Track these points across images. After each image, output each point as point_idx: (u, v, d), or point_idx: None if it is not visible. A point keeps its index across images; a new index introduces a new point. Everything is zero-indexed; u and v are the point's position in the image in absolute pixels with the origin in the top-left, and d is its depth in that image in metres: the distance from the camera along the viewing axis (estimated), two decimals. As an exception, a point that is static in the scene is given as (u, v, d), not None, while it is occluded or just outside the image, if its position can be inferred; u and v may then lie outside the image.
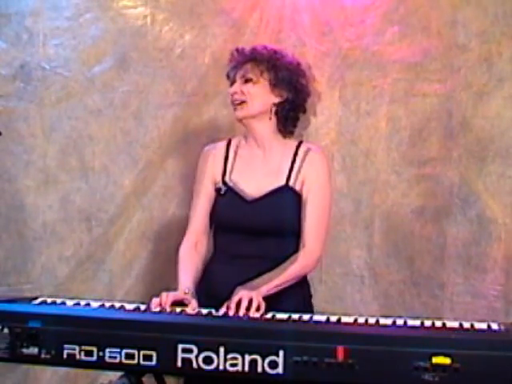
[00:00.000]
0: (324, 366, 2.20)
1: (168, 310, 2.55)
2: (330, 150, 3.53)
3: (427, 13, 3.43)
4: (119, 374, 2.45)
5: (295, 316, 2.46)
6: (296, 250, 2.80)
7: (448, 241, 3.43)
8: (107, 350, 2.31)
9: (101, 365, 2.34)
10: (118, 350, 2.31)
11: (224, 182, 2.85)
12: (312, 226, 2.79)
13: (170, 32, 3.62)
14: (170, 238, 3.47)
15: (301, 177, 2.82)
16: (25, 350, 2.36)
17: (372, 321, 2.40)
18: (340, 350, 2.19)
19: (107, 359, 2.32)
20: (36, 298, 2.65)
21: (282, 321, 2.43)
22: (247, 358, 2.24)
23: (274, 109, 2.83)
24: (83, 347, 2.33)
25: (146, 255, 3.69)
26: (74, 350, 2.34)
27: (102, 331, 2.34)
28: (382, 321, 2.39)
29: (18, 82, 3.63)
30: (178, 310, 2.56)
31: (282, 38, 3.56)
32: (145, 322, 2.39)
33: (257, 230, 2.77)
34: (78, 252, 3.67)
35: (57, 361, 2.36)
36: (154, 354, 2.29)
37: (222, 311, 2.52)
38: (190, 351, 2.27)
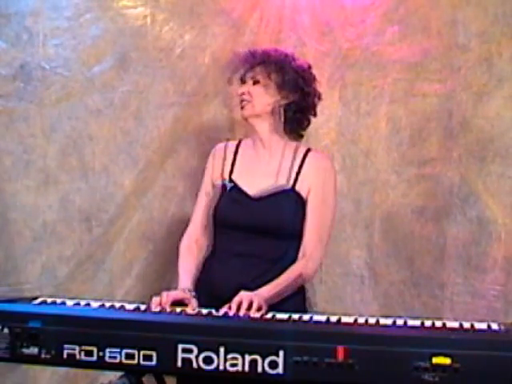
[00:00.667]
0: (324, 366, 2.20)
1: (168, 309, 2.55)
2: (330, 150, 3.53)
3: (427, 13, 3.43)
4: (119, 373, 2.45)
5: (295, 316, 2.46)
6: (295, 251, 2.81)
7: (448, 241, 3.43)
8: (107, 350, 2.31)
9: (101, 365, 2.34)
10: (118, 350, 2.31)
11: (230, 179, 2.86)
12: (313, 235, 2.80)
13: (170, 32, 3.62)
14: (170, 238, 3.47)
15: (307, 183, 2.83)
16: (25, 350, 2.36)
17: (372, 321, 2.40)
18: (340, 350, 2.19)
19: (107, 359, 2.32)
20: (36, 298, 2.65)
21: (281, 321, 2.43)
22: (247, 357, 2.24)
23: (281, 110, 2.85)
24: (83, 347, 2.33)
25: (146, 255, 3.69)
26: (74, 349, 2.34)
27: (102, 331, 2.34)
28: (382, 321, 2.39)
29: (18, 82, 3.62)
30: (178, 309, 2.56)
31: (282, 37, 3.56)
32: (145, 321, 2.39)
33: (259, 228, 2.77)
34: (78, 252, 3.67)
35: (57, 361, 2.36)
36: (153, 354, 2.29)
37: (222, 311, 2.52)
38: (189, 351, 2.27)
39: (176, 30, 3.62)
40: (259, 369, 2.23)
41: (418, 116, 3.47)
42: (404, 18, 3.45)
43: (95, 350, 2.32)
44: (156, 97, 3.64)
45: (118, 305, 2.58)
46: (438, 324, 2.36)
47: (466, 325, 2.34)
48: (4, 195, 3.65)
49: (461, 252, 3.42)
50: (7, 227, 3.66)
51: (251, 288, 2.63)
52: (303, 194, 2.83)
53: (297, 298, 2.83)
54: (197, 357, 2.26)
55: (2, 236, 3.66)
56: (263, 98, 2.84)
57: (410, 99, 3.48)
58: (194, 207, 2.96)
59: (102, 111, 3.65)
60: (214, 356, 2.26)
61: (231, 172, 2.89)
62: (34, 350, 2.36)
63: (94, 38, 3.63)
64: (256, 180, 2.85)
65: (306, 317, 2.46)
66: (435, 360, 2.15)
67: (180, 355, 2.27)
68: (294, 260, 2.80)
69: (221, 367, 2.25)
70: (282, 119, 2.86)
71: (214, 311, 2.53)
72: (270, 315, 2.49)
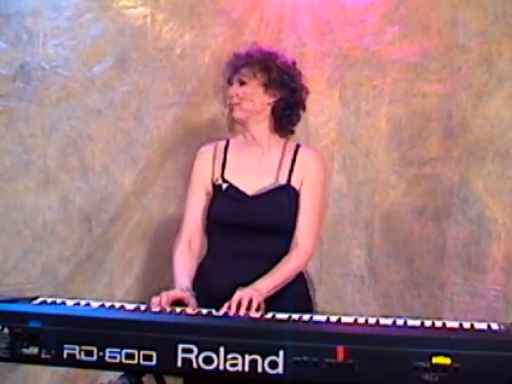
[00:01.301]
0: (324, 366, 2.20)
1: (168, 309, 2.55)
2: (329, 150, 3.53)
3: (427, 13, 3.43)
4: (119, 373, 2.45)
5: (295, 316, 2.46)
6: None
7: (448, 241, 3.43)
8: (107, 350, 2.31)
9: (101, 365, 2.34)
10: (118, 350, 2.31)
11: (224, 179, 2.86)
12: (304, 225, 2.82)
13: (170, 32, 3.62)
14: (169, 238, 3.45)
15: (299, 177, 2.84)
16: (25, 350, 2.36)
17: (372, 321, 2.40)
18: (340, 350, 2.19)
19: (107, 359, 2.32)
20: (36, 298, 2.65)
21: (282, 321, 2.43)
22: (247, 357, 2.24)
23: (268, 108, 2.87)
24: (83, 347, 2.33)
25: (146, 255, 3.69)
26: (74, 349, 2.34)
27: (102, 331, 2.34)
28: (382, 321, 2.39)
29: (18, 82, 3.62)
30: (178, 309, 2.56)
31: (282, 37, 3.56)
32: (145, 321, 2.39)
33: (255, 227, 2.78)
34: (78, 252, 3.67)
35: (57, 361, 2.37)
36: (153, 354, 2.29)
37: (222, 311, 2.52)
38: (189, 351, 2.27)
39: (176, 30, 3.62)
40: (259, 369, 2.23)
41: (418, 116, 3.47)
42: (404, 18, 3.46)
43: (95, 350, 2.32)
44: (156, 97, 3.64)
45: (117, 305, 2.58)
46: (438, 324, 2.36)
47: (466, 325, 2.34)
48: (4, 195, 3.65)
49: (461, 252, 3.42)
50: (7, 227, 3.66)
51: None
52: (297, 188, 2.84)
53: (297, 291, 2.84)
54: (197, 357, 2.26)
55: (2, 236, 3.67)
56: (251, 98, 2.85)
57: (409, 99, 3.48)
58: (184, 209, 2.95)
59: (101, 111, 3.65)
60: (214, 356, 2.26)
61: (223, 172, 2.89)
62: (34, 350, 2.36)
63: (93, 37, 3.63)
64: (250, 178, 2.86)
65: (305, 317, 2.46)
66: (435, 360, 2.15)
67: (180, 355, 2.27)
68: None
69: (221, 367, 2.25)
70: (272, 117, 2.88)
71: (213, 311, 2.53)
72: (269, 315, 2.49)
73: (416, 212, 3.47)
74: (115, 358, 2.31)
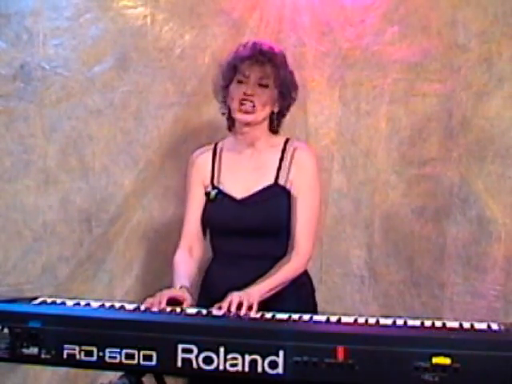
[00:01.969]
0: (324, 366, 2.20)
1: (164, 308, 2.54)
2: (329, 150, 3.53)
3: (427, 13, 3.43)
4: (119, 374, 2.45)
5: (295, 316, 2.46)
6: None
7: (448, 241, 3.43)
8: (107, 350, 2.32)
9: (101, 365, 2.34)
10: (118, 350, 2.31)
11: (214, 186, 2.85)
12: (302, 228, 2.80)
13: (170, 32, 3.62)
14: (169, 238, 3.46)
15: (289, 175, 2.82)
16: (25, 350, 2.36)
17: (372, 321, 2.40)
18: (340, 350, 2.19)
19: (107, 359, 2.32)
20: (36, 298, 2.65)
21: (282, 321, 2.43)
22: (247, 358, 2.24)
23: (273, 116, 2.86)
24: (83, 347, 2.33)
25: (146, 255, 3.69)
26: (74, 350, 2.34)
27: (102, 331, 2.34)
28: (382, 321, 2.40)
29: (18, 82, 3.62)
30: (178, 310, 2.56)
31: (282, 37, 3.56)
32: (145, 321, 2.40)
33: (250, 230, 2.78)
34: (78, 252, 3.66)
35: (57, 361, 2.37)
36: (153, 354, 2.29)
37: (217, 311, 2.52)
38: (189, 351, 2.27)
39: (176, 30, 3.62)
40: (259, 369, 2.23)
41: (418, 116, 3.47)
42: (404, 18, 3.45)
43: (95, 350, 2.32)
44: (156, 97, 3.64)
45: (117, 305, 2.58)
46: (438, 324, 2.36)
47: (466, 325, 2.35)
48: (4, 195, 3.65)
49: (461, 252, 3.41)
50: (7, 227, 3.66)
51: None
52: (288, 187, 2.82)
53: (303, 292, 2.85)
54: (197, 357, 2.27)
55: (2, 236, 3.66)
56: (267, 105, 2.80)
57: (410, 99, 3.48)
58: (184, 216, 2.95)
59: (102, 111, 3.65)
60: (214, 356, 2.26)
61: (219, 176, 2.87)
62: (34, 350, 2.36)
63: (93, 37, 3.62)
64: (243, 179, 2.84)
65: (305, 317, 2.46)
66: (435, 360, 2.15)
67: (180, 355, 2.28)
68: None
69: (221, 367, 2.26)
70: (269, 120, 2.87)
71: (214, 311, 2.53)
72: (269, 315, 2.50)
73: (416, 212, 3.47)
74: (115, 358, 2.31)
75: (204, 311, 2.54)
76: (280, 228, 2.81)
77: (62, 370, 3.48)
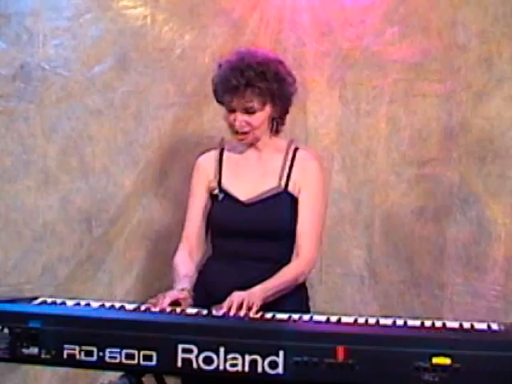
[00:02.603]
0: (324, 366, 2.20)
1: (168, 309, 2.55)
2: (330, 150, 3.53)
3: (427, 13, 3.43)
4: (119, 374, 2.45)
5: (295, 316, 2.46)
6: (293, 252, 2.81)
7: (448, 241, 3.43)
8: (107, 350, 2.31)
9: (101, 365, 2.34)
10: (118, 350, 2.31)
11: (220, 189, 2.86)
12: (307, 233, 2.80)
13: (169, 32, 3.62)
14: (170, 239, 3.47)
15: (294, 180, 2.83)
16: (25, 350, 2.36)
17: (372, 321, 2.40)
18: (340, 350, 2.19)
19: (107, 359, 2.32)
20: (36, 298, 2.65)
21: (282, 321, 2.43)
22: (247, 358, 2.24)
23: (273, 121, 2.86)
24: (83, 347, 2.33)
25: (146, 255, 3.69)
26: (74, 350, 2.34)
27: (102, 331, 2.34)
28: (382, 321, 2.40)
29: (18, 82, 3.62)
30: (178, 310, 2.56)
31: (282, 38, 3.56)
32: (145, 321, 2.39)
33: (253, 232, 2.78)
34: (78, 252, 3.66)
35: (57, 361, 2.37)
36: (153, 354, 2.29)
37: (220, 312, 2.52)
38: (189, 351, 2.27)
39: (176, 30, 3.62)
40: (259, 369, 2.23)
41: (418, 116, 3.47)
42: (404, 18, 3.45)
43: (95, 350, 2.32)
44: (156, 97, 3.64)
45: (117, 305, 2.58)
46: (438, 324, 2.37)
47: (466, 325, 2.35)
48: (4, 195, 3.65)
49: (461, 252, 3.41)
50: (7, 227, 3.66)
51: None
52: (293, 191, 2.82)
53: (298, 297, 2.83)
54: (197, 357, 2.27)
55: (2, 236, 3.66)
56: (263, 124, 2.81)
57: (410, 99, 3.48)
58: (185, 218, 2.94)
59: (102, 111, 3.65)
60: (214, 356, 2.26)
61: (226, 178, 2.87)
62: (34, 350, 2.36)
63: (93, 38, 3.62)
64: (247, 184, 2.84)
65: (305, 317, 2.46)
66: (435, 360, 2.15)
67: (180, 355, 2.27)
68: None
69: (221, 367, 2.25)
70: (271, 123, 2.86)
71: (214, 311, 2.53)
72: (269, 315, 2.50)
73: (416, 212, 3.47)
74: (115, 358, 2.31)
75: (204, 311, 2.54)
76: (284, 231, 2.81)
77: (62, 370, 3.48)
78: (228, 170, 2.90)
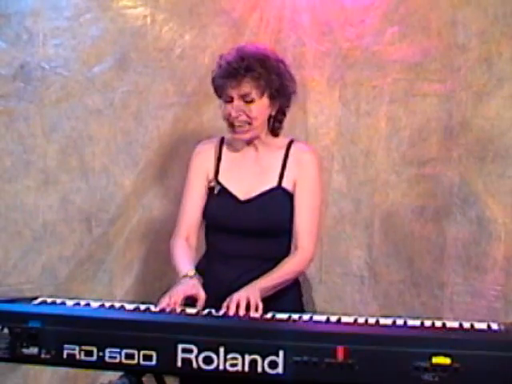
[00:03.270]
0: (324, 366, 2.20)
1: (178, 308, 2.54)
2: (330, 150, 3.53)
3: (427, 13, 3.43)
4: (119, 373, 2.45)
5: (295, 316, 2.46)
6: (289, 249, 2.81)
7: (448, 241, 3.43)
8: (107, 350, 2.32)
9: (101, 365, 2.34)
10: (118, 350, 2.31)
11: (218, 181, 2.85)
12: (304, 228, 2.80)
13: (170, 32, 3.62)
14: (170, 238, 3.47)
15: (292, 177, 2.82)
16: (25, 350, 2.36)
17: (372, 321, 2.40)
18: (340, 350, 2.19)
19: (107, 359, 2.32)
20: (36, 298, 2.65)
21: (282, 321, 2.43)
22: (247, 358, 2.24)
23: (271, 119, 2.84)
24: (83, 347, 2.33)
25: (146, 255, 3.69)
26: (74, 350, 2.34)
27: (102, 331, 2.34)
28: (382, 321, 2.40)
29: (18, 82, 3.62)
30: (178, 310, 2.55)
31: (282, 37, 3.56)
32: (145, 321, 2.39)
33: (250, 230, 2.77)
34: (78, 252, 3.66)
35: (57, 361, 2.37)
36: (153, 354, 2.29)
37: (221, 312, 2.52)
38: (189, 351, 2.27)
39: (176, 30, 3.62)
40: (259, 369, 2.23)
41: (418, 116, 3.47)
42: (404, 18, 3.45)
43: (95, 350, 2.32)
44: (156, 97, 3.64)
45: (117, 305, 2.58)
46: (438, 324, 2.37)
47: (466, 325, 2.35)
48: (4, 195, 3.65)
49: (461, 252, 3.41)
50: (7, 227, 3.66)
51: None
52: (290, 189, 2.81)
53: (292, 294, 2.83)
54: (197, 357, 2.27)
55: (2, 236, 3.67)
56: (261, 117, 2.78)
57: (410, 99, 3.48)
58: (180, 205, 2.92)
59: (102, 111, 3.65)
60: (214, 356, 2.26)
61: (223, 172, 2.87)
62: (34, 350, 2.36)
63: (93, 38, 3.62)
64: (244, 181, 2.84)
65: (305, 317, 2.46)
66: (435, 360, 2.15)
67: (180, 355, 2.28)
68: None
69: (221, 367, 2.26)
70: (268, 122, 2.85)
71: (214, 311, 2.53)
72: (269, 315, 2.50)
73: (416, 212, 3.47)
74: (115, 358, 2.31)
75: (204, 311, 2.54)
76: (281, 230, 2.81)
77: (62, 370, 3.48)
78: (226, 164, 2.88)
